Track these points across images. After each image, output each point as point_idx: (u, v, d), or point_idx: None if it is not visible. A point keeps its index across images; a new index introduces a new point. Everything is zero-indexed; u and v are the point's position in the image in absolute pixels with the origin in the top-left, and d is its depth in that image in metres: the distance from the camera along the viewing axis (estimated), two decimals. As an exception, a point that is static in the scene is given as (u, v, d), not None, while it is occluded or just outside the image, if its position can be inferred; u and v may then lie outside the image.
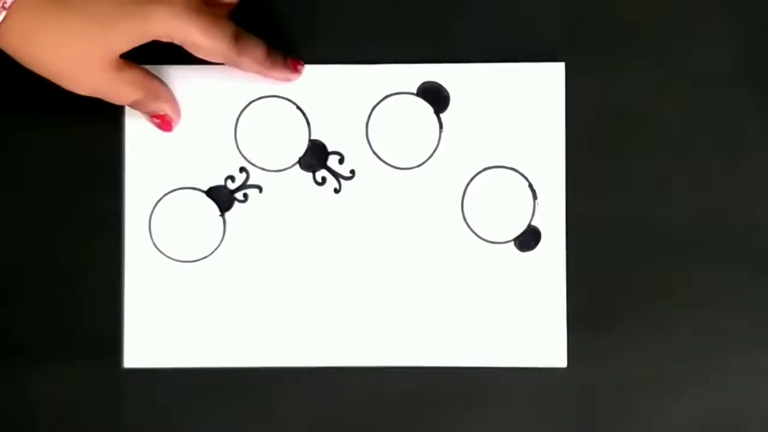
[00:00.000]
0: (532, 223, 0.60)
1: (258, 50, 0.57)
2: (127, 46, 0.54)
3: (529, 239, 0.60)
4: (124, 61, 0.55)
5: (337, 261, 0.60)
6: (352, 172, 0.60)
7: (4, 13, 0.52)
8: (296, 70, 0.59)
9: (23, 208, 0.60)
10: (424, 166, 0.60)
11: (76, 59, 0.54)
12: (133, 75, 0.57)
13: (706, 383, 0.60)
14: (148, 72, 0.58)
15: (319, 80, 0.60)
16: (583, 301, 0.60)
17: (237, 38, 0.56)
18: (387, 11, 0.60)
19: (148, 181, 0.60)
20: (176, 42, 0.55)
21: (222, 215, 0.60)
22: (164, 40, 0.54)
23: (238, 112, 0.60)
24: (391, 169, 0.60)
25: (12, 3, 0.52)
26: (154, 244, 0.60)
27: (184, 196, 0.60)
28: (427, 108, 0.60)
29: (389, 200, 0.60)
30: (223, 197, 0.60)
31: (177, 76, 0.60)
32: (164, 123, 0.59)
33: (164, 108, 0.59)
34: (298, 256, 0.60)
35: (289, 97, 0.60)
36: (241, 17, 0.57)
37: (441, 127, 0.60)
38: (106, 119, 0.60)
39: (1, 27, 0.52)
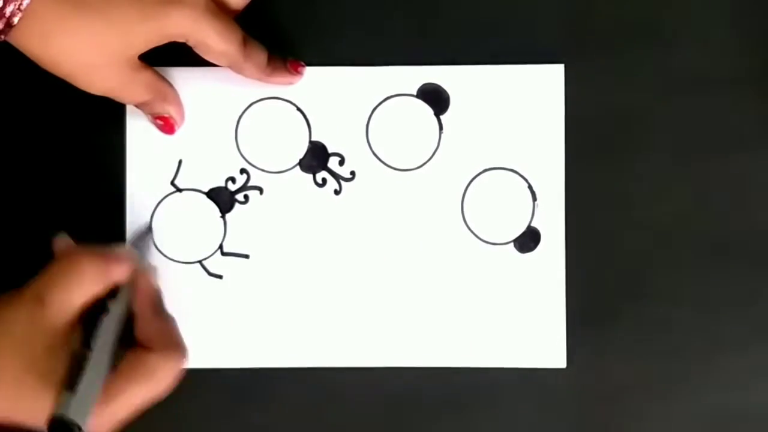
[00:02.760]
0: (532, 225, 0.60)
1: (261, 56, 0.57)
2: (145, 47, 0.54)
3: (528, 240, 0.60)
4: (140, 62, 0.56)
5: (337, 262, 0.60)
6: (353, 173, 0.60)
7: (20, 15, 0.51)
8: (297, 72, 0.59)
9: (24, 208, 0.60)
10: (424, 167, 0.60)
11: (95, 61, 0.54)
12: (146, 76, 0.57)
13: (706, 383, 0.60)
14: (159, 74, 0.58)
15: (320, 82, 0.60)
16: (582, 302, 0.60)
17: (244, 43, 0.56)
18: (387, 13, 0.60)
19: (149, 183, 0.60)
20: (190, 43, 0.55)
21: (222, 217, 0.60)
22: (180, 40, 0.55)
23: (239, 114, 0.60)
24: (392, 170, 0.60)
25: (28, 5, 0.51)
26: (155, 245, 0.60)
27: (184, 198, 0.60)
28: (427, 110, 0.60)
29: (389, 201, 0.60)
30: (223, 199, 0.60)
31: (178, 78, 0.60)
32: (167, 125, 0.59)
33: (170, 110, 0.59)
34: (298, 257, 0.60)
35: (290, 99, 0.60)
36: (242, 18, 0.57)
37: (441, 128, 0.60)
38: (107, 120, 0.60)
39: (18, 28, 0.52)
